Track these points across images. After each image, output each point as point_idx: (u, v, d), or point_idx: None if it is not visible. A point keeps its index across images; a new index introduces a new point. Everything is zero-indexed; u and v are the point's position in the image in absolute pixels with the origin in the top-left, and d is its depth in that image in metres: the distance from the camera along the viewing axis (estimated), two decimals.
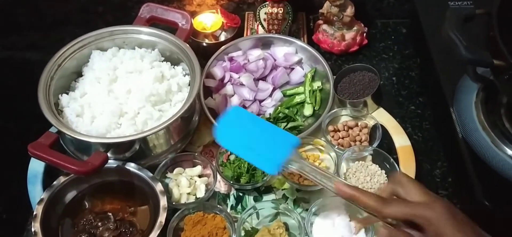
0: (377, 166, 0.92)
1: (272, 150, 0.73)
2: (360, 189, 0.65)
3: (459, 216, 0.59)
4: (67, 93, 0.94)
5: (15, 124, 1.10)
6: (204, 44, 1.14)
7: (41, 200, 0.83)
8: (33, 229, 0.80)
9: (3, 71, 1.16)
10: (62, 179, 0.86)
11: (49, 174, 0.92)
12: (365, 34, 1.18)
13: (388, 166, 0.90)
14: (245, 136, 0.75)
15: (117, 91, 0.92)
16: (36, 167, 0.93)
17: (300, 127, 0.99)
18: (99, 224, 0.84)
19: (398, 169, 0.89)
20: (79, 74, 0.98)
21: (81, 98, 0.93)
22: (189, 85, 0.95)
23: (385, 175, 0.90)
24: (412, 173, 0.91)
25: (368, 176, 0.90)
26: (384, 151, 0.91)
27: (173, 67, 0.99)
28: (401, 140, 0.96)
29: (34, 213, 0.81)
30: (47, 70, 0.91)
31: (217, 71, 1.06)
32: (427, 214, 0.59)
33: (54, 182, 0.85)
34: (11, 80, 1.15)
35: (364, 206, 0.64)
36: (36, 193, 0.90)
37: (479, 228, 0.60)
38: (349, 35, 1.15)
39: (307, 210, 0.88)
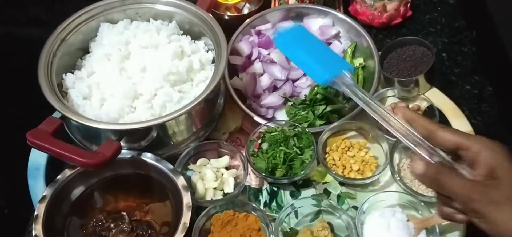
0: None
1: (326, 65, 0.74)
2: (417, 114, 0.61)
3: None
4: (72, 73, 0.86)
5: (15, 109, 1.02)
6: (226, 17, 1.05)
7: (44, 197, 0.75)
8: (34, 232, 0.71)
9: (2, 49, 1.10)
10: (67, 172, 0.78)
11: (53, 167, 0.84)
12: (409, 4, 1.06)
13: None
14: (302, 48, 0.77)
15: (130, 69, 0.84)
16: (37, 158, 0.85)
17: (341, 110, 0.88)
18: (112, 225, 0.75)
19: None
20: (85, 50, 0.91)
21: (88, 77, 0.85)
22: (212, 62, 0.87)
23: None
24: None
25: None
26: None
27: (194, 42, 0.90)
28: (460, 124, 0.85)
29: (35, 213, 0.73)
30: (48, 46, 0.84)
31: (244, 47, 0.95)
32: (486, 152, 0.53)
33: (59, 176, 0.77)
34: (11, 59, 1.08)
35: (421, 128, 0.58)
36: (38, 188, 0.82)
37: None
38: (391, 5, 1.04)
39: (354, 207, 0.77)
